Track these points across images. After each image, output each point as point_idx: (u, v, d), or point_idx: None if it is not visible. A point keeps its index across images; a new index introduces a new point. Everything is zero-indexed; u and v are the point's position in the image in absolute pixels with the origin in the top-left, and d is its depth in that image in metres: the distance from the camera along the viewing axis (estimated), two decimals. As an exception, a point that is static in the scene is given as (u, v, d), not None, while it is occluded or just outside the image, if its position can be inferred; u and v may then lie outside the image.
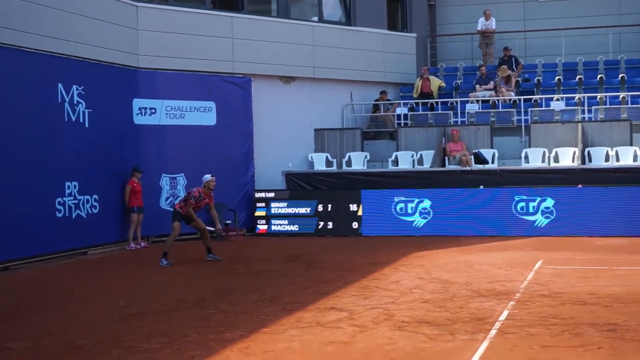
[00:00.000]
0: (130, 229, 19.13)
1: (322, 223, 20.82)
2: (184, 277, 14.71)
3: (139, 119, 20.08)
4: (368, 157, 23.21)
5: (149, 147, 20.21)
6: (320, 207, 20.85)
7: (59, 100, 17.56)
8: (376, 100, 25.01)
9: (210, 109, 21.20)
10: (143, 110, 20.17)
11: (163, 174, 20.44)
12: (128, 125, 19.78)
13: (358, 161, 23.04)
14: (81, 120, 18.19)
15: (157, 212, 20.09)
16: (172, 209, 17.30)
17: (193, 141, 20.80)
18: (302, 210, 20.96)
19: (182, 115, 20.76)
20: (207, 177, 16.39)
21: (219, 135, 21.22)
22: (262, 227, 21.28)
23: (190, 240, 20.15)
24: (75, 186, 17.90)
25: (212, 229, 16.87)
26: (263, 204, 21.28)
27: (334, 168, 22.95)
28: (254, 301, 11.86)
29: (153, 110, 20.33)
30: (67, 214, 17.65)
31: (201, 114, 21.04)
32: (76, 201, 17.93)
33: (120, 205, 19.20)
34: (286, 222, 21.10)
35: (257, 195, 21.40)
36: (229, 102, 21.51)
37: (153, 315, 10.99)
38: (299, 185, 21.82)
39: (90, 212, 18.36)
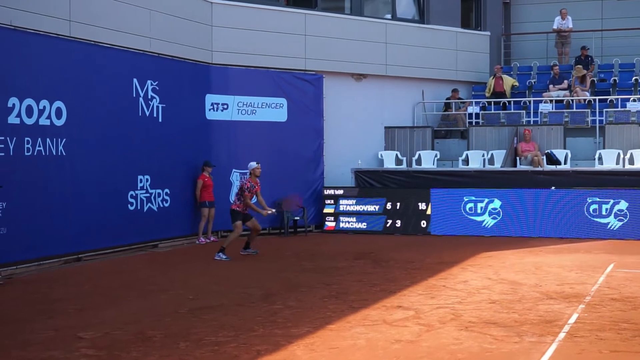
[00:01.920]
0: (201, 223, 19.34)
1: (390, 221, 20.78)
2: (252, 272, 14.83)
3: (211, 115, 20.30)
4: (438, 156, 23.09)
5: (221, 142, 20.43)
6: (389, 205, 20.81)
7: (134, 95, 17.85)
8: (448, 99, 24.87)
9: (281, 105, 21.33)
10: (215, 106, 20.39)
11: (234, 170, 20.63)
12: (200, 120, 20.01)
13: (428, 160, 22.94)
14: (155, 115, 18.46)
15: (226, 207, 20.19)
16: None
17: (264, 137, 20.95)
18: (371, 208, 20.94)
19: (254, 112, 20.93)
20: (253, 164, 16.61)
21: (290, 132, 21.34)
22: (330, 224, 21.32)
23: (258, 235, 20.34)
24: (147, 180, 18.18)
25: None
26: (332, 201, 21.32)
27: (404, 166, 22.88)
28: (320, 298, 11.90)
29: (225, 106, 20.54)
30: (138, 207, 17.93)
31: (272, 110, 21.19)
32: (148, 194, 18.21)
33: (190, 199, 19.44)
34: (354, 219, 21.11)
35: (326, 192, 21.45)
36: (300, 99, 21.62)
37: (221, 309, 11.11)
38: (368, 183, 21.81)
39: (161, 205, 18.63)
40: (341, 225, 21.22)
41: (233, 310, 10.98)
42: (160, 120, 18.60)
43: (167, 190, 18.81)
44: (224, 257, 16.17)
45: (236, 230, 16.37)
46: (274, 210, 17.13)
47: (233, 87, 20.64)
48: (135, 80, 17.84)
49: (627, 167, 20.77)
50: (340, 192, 21.32)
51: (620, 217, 19.02)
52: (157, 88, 18.46)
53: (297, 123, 21.47)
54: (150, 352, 8.68)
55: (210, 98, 20.28)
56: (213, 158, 19.84)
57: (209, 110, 20.28)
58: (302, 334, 9.46)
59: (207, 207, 19.34)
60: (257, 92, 20.96)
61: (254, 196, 16.50)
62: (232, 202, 17.00)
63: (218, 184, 19.80)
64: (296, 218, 20.88)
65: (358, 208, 21.08)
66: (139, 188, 17.93)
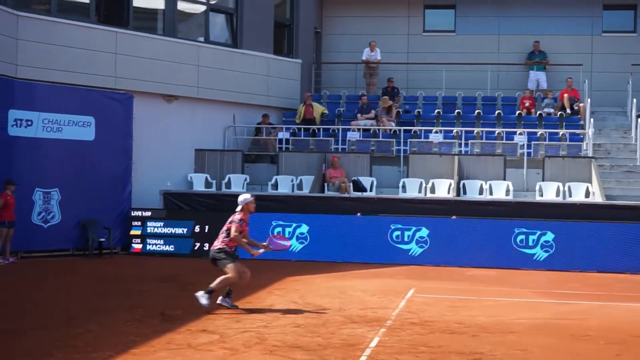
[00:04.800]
0: (-1, 243, 18.55)
1: (198, 244, 20.60)
2: (54, 295, 14.32)
3: (13, 131, 19.49)
4: (248, 180, 23.18)
5: (23, 159, 19.63)
6: (197, 228, 20.64)
7: None
8: (259, 124, 25.04)
9: (89, 123, 20.76)
10: (18, 122, 19.59)
11: (37, 189, 19.84)
12: (2, 136, 19.18)
13: (238, 183, 22.99)
14: (-48, 129, 17.56)
15: (28, 227, 19.49)
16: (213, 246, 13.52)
17: (70, 156, 20.33)
18: (179, 231, 20.71)
19: (60, 129, 20.27)
20: (248, 197, 13.12)
21: (97, 151, 20.80)
22: (137, 246, 20.91)
23: (61, 256, 19.74)
24: (-58, 197, 17.24)
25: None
26: (139, 223, 20.93)
27: (213, 189, 22.81)
28: (124, 321, 11.65)
29: (29, 122, 19.77)
30: None
31: (80, 128, 20.59)
32: (-57, 212, 17.27)
33: (-11, 219, 18.58)
34: (162, 242, 20.80)
35: (134, 213, 21.04)
36: (109, 117, 21.12)
37: (18, 333, 10.66)
38: (177, 205, 21.57)
39: (-43, 224, 17.70)
40: (148, 247, 20.85)
41: (31, 335, 10.55)
42: (-42, 134, 17.71)
43: (-37, 208, 17.89)
44: (205, 302, 12.68)
45: (231, 274, 12.87)
46: (262, 250, 13.47)
47: (38, 103, 19.92)
48: None
49: (429, 195, 21.58)
50: (148, 213, 20.97)
51: (421, 244, 19.71)
52: (-44, 101, 17.59)
53: (105, 142, 20.95)
54: (-61, 379, 8.21)
55: (13, 113, 19.47)
56: (15, 176, 19.05)
57: (12, 126, 19.47)
58: (103, 359, 9.21)
59: (6, 227, 18.55)
60: (64, 109, 20.32)
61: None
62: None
63: (19, 203, 19.02)
64: (101, 239, 20.34)
65: (166, 230, 20.80)
66: None
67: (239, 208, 13.06)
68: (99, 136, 20.90)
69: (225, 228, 13.13)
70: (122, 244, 21.15)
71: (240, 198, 13.10)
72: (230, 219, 13.07)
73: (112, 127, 21.16)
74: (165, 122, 22.89)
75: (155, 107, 22.68)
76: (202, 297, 12.67)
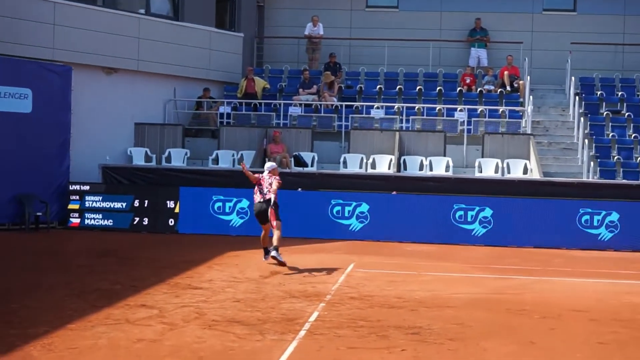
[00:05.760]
0: None
1: (137, 219, 20.39)
2: (-12, 269, 14.12)
3: (-53, 102, 19.09)
4: (188, 154, 23.04)
5: (-43, 132, 19.25)
6: (136, 203, 20.42)
7: None
8: (199, 98, 24.85)
9: (26, 96, 20.38)
10: (-47, 93, 19.19)
11: (-30, 161, 19.49)
12: None
13: (178, 158, 22.83)
14: None
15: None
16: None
17: (5, 129, 19.90)
18: (118, 205, 20.47)
19: (-5, 101, 19.89)
20: (274, 164, 16.15)
21: (34, 124, 20.42)
22: (75, 220, 20.63)
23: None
24: None
25: None
26: (77, 197, 20.65)
27: (153, 163, 22.61)
28: (61, 297, 11.52)
29: (-37, 94, 19.37)
30: None
31: (15, 100, 20.19)
32: None
33: None
34: (100, 216, 20.55)
35: (72, 187, 20.74)
36: (46, 90, 20.73)
37: (-49, 308, 10.50)
38: (116, 179, 21.33)
39: None
40: (86, 222, 20.59)
41: (-35, 310, 10.40)
42: None
43: None
44: (281, 259, 14.70)
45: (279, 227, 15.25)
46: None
47: (-27, 74, 19.52)
48: None
49: (370, 171, 21.68)
50: (87, 188, 20.70)
51: (361, 219, 19.78)
52: None
53: (42, 115, 20.58)
54: None
55: (-53, 84, 19.07)
56: (-51, 148, 18.68)
57: (-54, 97, 19.07)
58: (39, 334, 9.11)
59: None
60: (-1, 81, 19.94)
61: (259, 185, 15.42)
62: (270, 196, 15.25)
63: (-47, 176, 18.68)
64: (38, 214, 20.03)
65: (104, 205, 20.55)
66: None
67: (265, 174, 15.49)
68: (36, 109, 20.52)
69: (264, 184, 15.36)
70: (59, 219, 20.83)
71: (268, 165, 15.87)
72: (263, 178, 15.39)
73: (49, 99, 20.79)
74: (105, 95, 22.58)
75: (95, 80, 22.36)
76: (278, 256, 14.55)
